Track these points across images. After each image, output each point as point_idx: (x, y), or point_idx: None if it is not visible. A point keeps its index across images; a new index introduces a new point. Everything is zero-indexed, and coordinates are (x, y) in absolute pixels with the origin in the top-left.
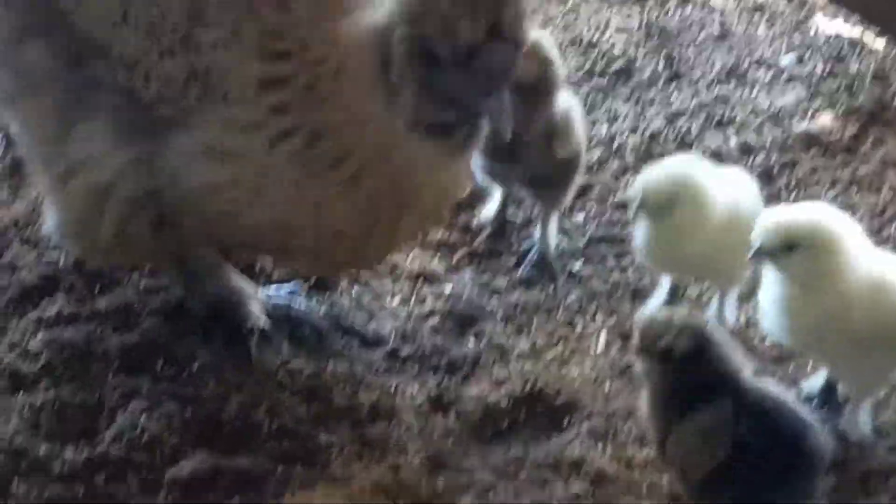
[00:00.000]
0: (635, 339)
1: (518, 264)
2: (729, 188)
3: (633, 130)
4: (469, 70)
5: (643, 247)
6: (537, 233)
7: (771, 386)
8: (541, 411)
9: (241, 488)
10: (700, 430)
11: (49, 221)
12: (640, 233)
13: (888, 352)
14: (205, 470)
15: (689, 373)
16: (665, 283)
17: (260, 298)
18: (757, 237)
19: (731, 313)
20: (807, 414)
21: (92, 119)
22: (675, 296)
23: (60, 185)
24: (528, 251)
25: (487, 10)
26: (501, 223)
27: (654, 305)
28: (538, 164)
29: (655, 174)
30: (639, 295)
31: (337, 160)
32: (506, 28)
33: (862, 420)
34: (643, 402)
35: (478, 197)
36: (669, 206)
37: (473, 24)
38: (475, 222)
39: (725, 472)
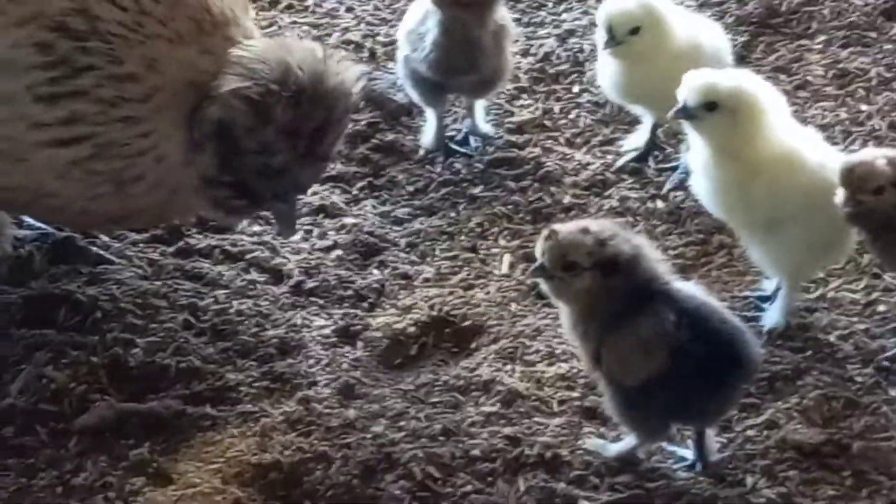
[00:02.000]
0: (558, 255)
1: (418, 192)
2: (692, 25)
3: (526, 53)
4: (273, 178)
5: (605, 78)
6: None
7: (698, 290)
8: (448, 336)
9: (151, 432)
10: (641, 338)
11: None
12: (602, 63)
13: (791, 230)
14: (113, 416)
15: (626, 281)
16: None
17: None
18: (681, 95)
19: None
20: (737, 320)
21: None
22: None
23: None
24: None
25: (310, 136)
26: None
27: (632, 144)
28: (490, 67)
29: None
30: (539, 216)
31: (117, 172)
32: (322, 150)
33: (777, 316)
34: (565, 317)
35: (376, 128)
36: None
37: (292, 151)
38: (420, 151)
39: (660, 380)
